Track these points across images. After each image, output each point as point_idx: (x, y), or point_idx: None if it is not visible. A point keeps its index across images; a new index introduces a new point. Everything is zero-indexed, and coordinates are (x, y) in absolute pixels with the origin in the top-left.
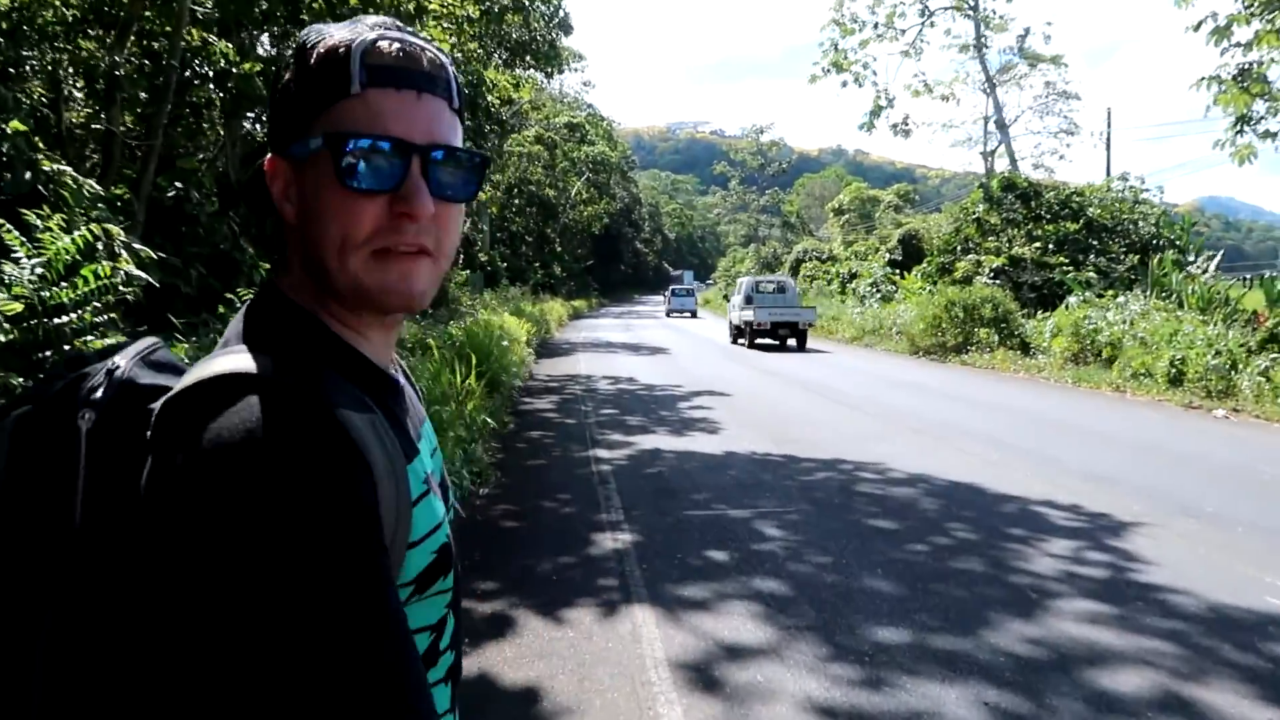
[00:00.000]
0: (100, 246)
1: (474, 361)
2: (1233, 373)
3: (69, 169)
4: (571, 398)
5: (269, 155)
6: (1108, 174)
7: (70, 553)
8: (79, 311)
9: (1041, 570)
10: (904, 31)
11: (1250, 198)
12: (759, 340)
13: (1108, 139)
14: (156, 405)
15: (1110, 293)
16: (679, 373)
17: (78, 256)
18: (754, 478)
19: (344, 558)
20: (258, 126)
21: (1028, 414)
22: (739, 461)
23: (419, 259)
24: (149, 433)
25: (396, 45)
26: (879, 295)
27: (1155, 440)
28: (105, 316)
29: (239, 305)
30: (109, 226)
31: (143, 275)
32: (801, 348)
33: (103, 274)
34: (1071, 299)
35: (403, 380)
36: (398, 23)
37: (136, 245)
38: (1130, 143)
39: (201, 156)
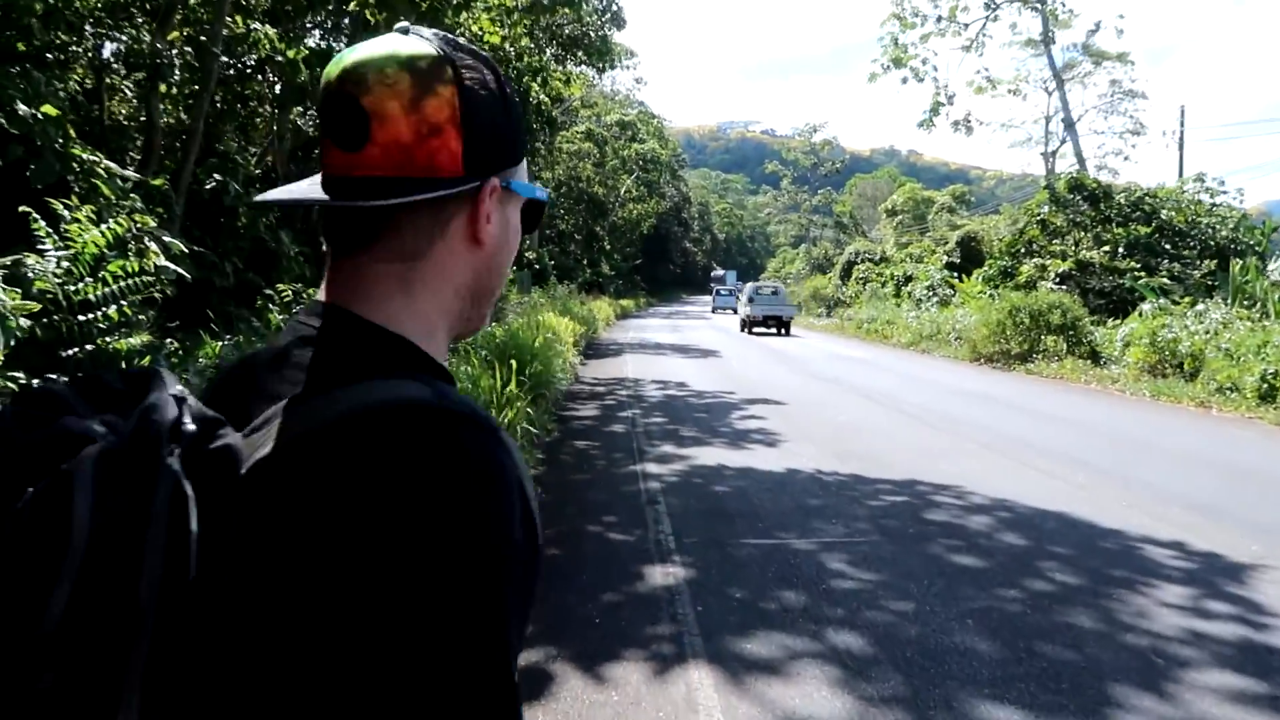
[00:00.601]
0: (131, 240)
1: (514, 367)
2: None
3: (102, 158)
4: (618, 403)
5: (493, 178)
6: (1180, 175)
7: (182, 608)
8: (107, 308)
9: (1161, 628)
10: (966, 26)
11: None
12: (756, 329)
13: (1180, 139)
14: (265, 439)
15: (1186, 300)
16: (730, 378)
17: (107, 250)
18: (818, 500)
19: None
20: (308, 116)
21: (1108, 430)
22: (800, 481)
23: None
24: (293, 467)
25: None
26: (936, 299)
27: (1254, 465)
28: (134, 314)
29: (278, 301)
30: (141, 217)
31: (174, 268)
32: (786, 333)
33: (131, 268)
34: (1145, 306)
35: None
36: None
37: (168, 239)
38: (1195, 143)
39: (253, 150)
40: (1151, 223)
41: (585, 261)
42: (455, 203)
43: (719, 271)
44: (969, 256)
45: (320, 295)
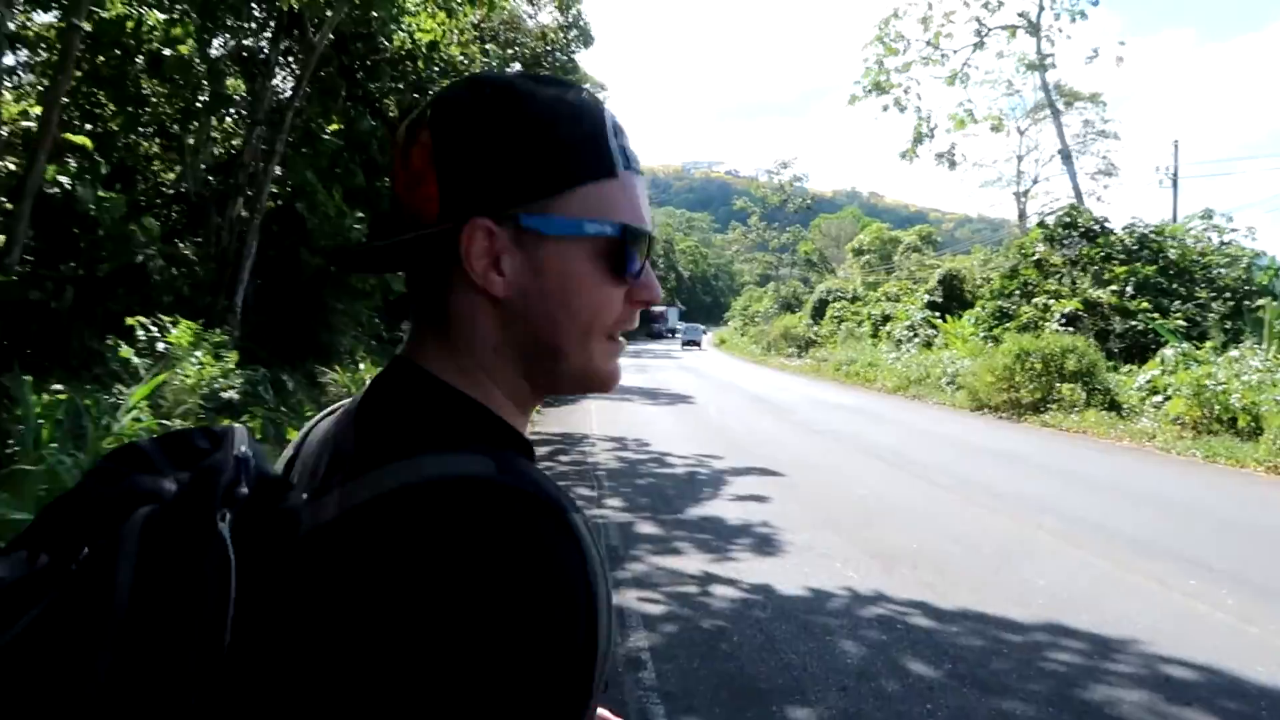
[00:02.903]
0: None
1: None
2: None
3: None
4: (581, 474)
5: (473, 218)
6: (1174, 213)
7: (215, 678)
8: None
9: None
10: (952, 54)
11: None
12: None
13: (1174, 175)
14: (322, 512)
15: (1209, 344)
16: (713, 432)
17: None
18: (873, 650)
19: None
20: (227, 130)
21: (1196, 508)
22: (837, 611)
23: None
24: (338, 540)
25: (619, 121)
26: (917, 340)
27: None
28: None
29: (145, 337)
30: None
31: None
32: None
33: None
34: (1168, 351)
35: None
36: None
37: None
38: (1151, 185)
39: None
40: (1158, 261)
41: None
42: (446, 254)
43: (660, 309)
44: (951, 295)
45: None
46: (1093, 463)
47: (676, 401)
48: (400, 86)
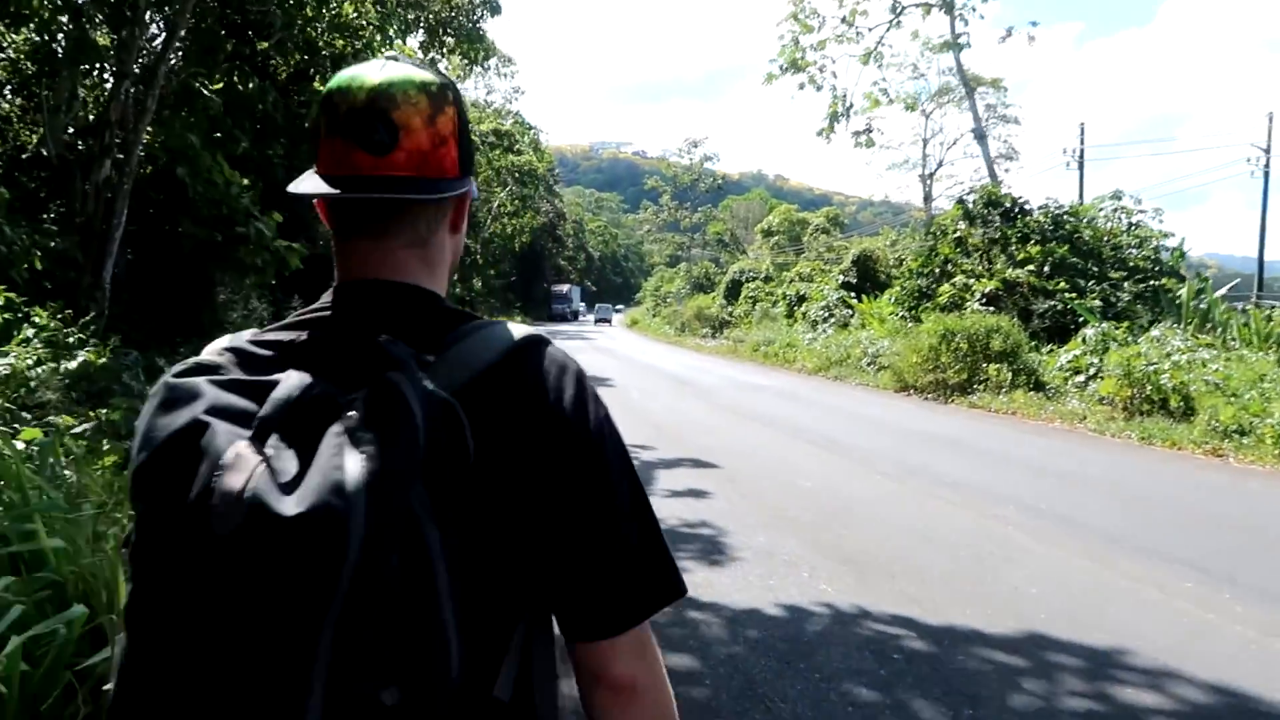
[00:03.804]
0: None
1: None
2: None
3: None
4: None
5: (468, 184)
6: (1080, 195)
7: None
8: None
9: None
10: (867, 31)
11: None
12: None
13: (1080, 157)
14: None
15: (1124, 324)
16: (639, 418)
17: None
18: (877, 690)
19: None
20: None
21: (1156, 498)
22: (820, 638)
23: None
24: (508, 360)
25: None
26: (833, 320)
27: None
28: None
29: None
30: None
31: None
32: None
33: None
34: (1089, 331)
35: None
36: None
37: None
38: (1051, 169)
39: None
40: (1072, 242)
41: (455, 277)
42: (450, 198)
43: (562, 288)
44: (865, 276)
45: (350, 274)
46: (1031, 446)
47: (597, 385)
48: (290, 47)
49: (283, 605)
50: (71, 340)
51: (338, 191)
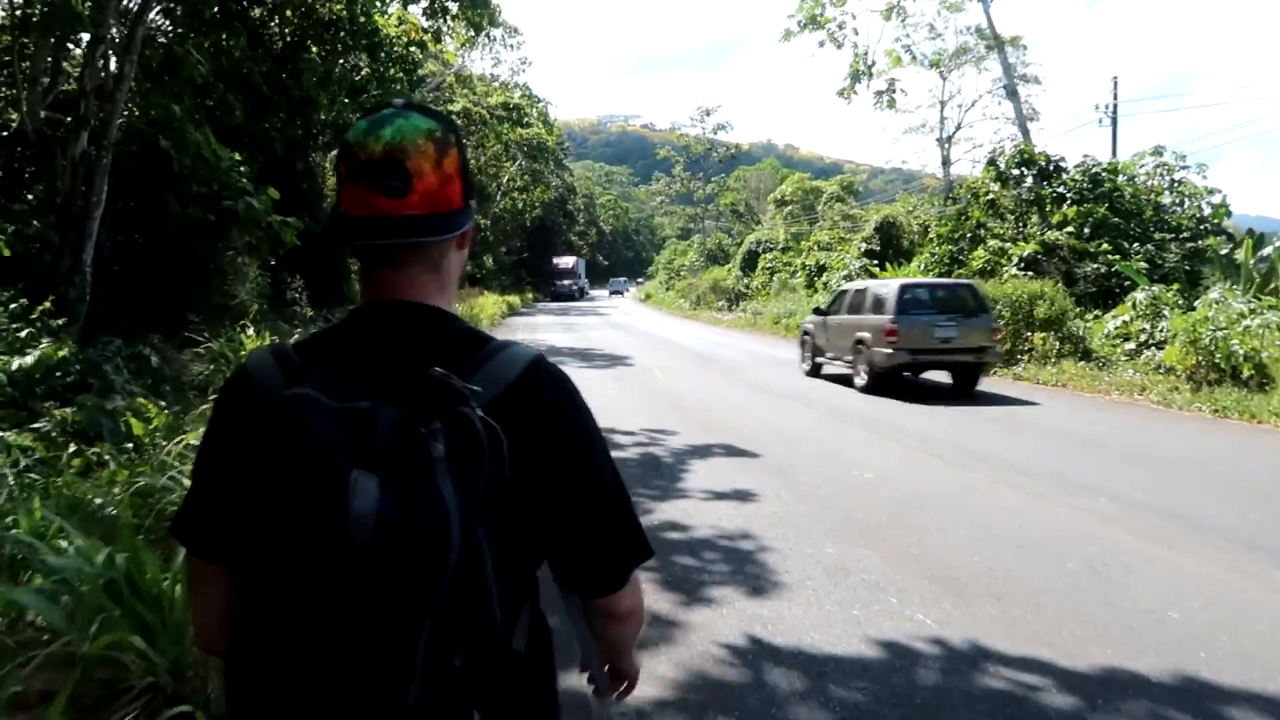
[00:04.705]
0: None
1: None
2: None
3: None
4: None
5: (472, 212)
6: (1113, 152)
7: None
8: None
9: None
10: None
11: None
12: (613, 293)
13: (1113, 113)
14: (504, 374)
15: (1174, 286)
16: (660, 399)
17: None
18: None
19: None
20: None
21: (1270, 487)
22: (937, 694)
23: None
24: (521, 382)
25: None
26: None
27: None
28: None
29: None
30: None
31: None
32: (623, 295)
33: None
34: (1139, 295)
35: None
36: None
37: None
38: (1078, 126)
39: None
40: (1111, 201)
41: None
42: (457, 228)
43: (565, 260)
44: (888, 243)
45: (376, 295)
46: (1097, 423)
47: (614, 363)
48: (289, 14)
49: (399, 599)
50: (24, 334)
51: (371, 238)
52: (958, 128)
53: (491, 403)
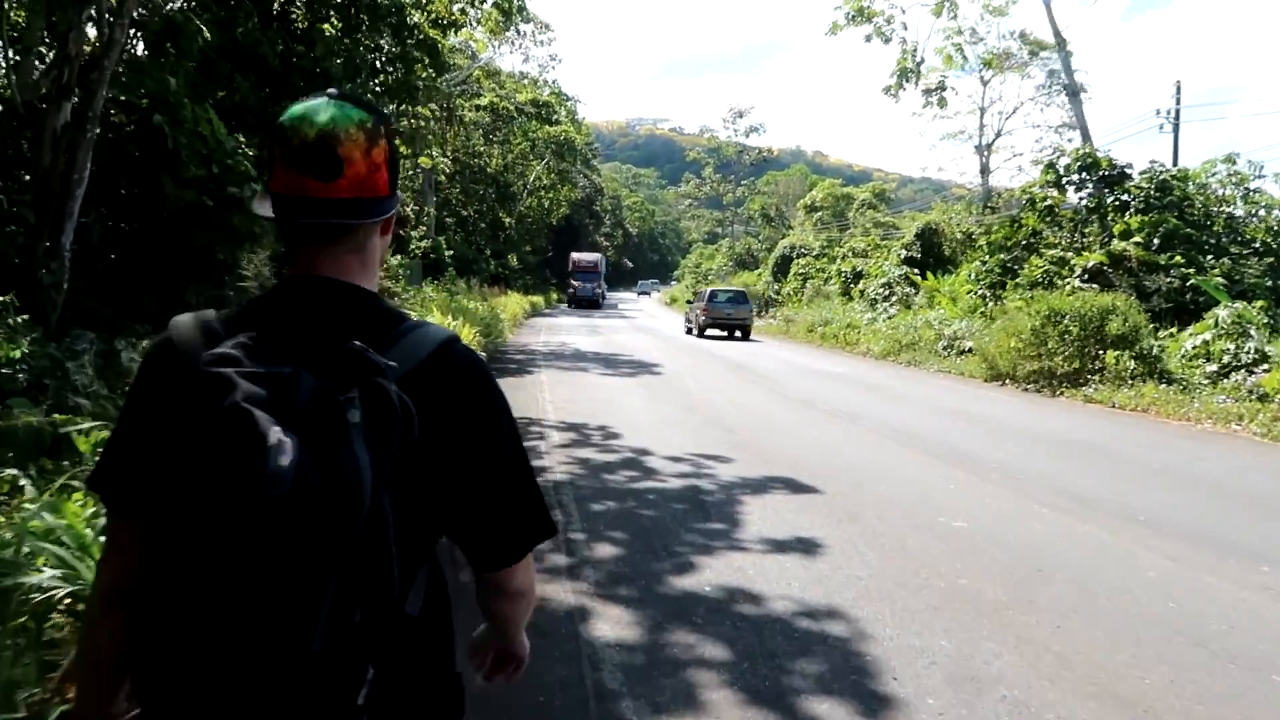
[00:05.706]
0: None
1: None
2: None
3: None
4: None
5: (396, 200)
6: (1174, 159)
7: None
8: None
9: None
10: None
11: None
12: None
13: (1175, 119)
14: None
15: (1259, 303)
16: (697, 416)
17: None
18: None
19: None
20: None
21: None
22: None
23: None
24: (435, 360)
25: None
26: (895, 299)
27: None
28: None
29: None
30: None
31: None
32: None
33: None
34: (1221, 311)
35: None
36: None
37: None
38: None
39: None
40: (1180, 210)
41: (490, 253)
42: (383, 213)
43: (586, 257)
44: (929, 251)
45: (302, 271)
46: (1203, 459)
47: (640, 371)
48: None
49: (311, 550)
50: None
51: (299, 217)
52: (997, 135)
53: (405, 377)
